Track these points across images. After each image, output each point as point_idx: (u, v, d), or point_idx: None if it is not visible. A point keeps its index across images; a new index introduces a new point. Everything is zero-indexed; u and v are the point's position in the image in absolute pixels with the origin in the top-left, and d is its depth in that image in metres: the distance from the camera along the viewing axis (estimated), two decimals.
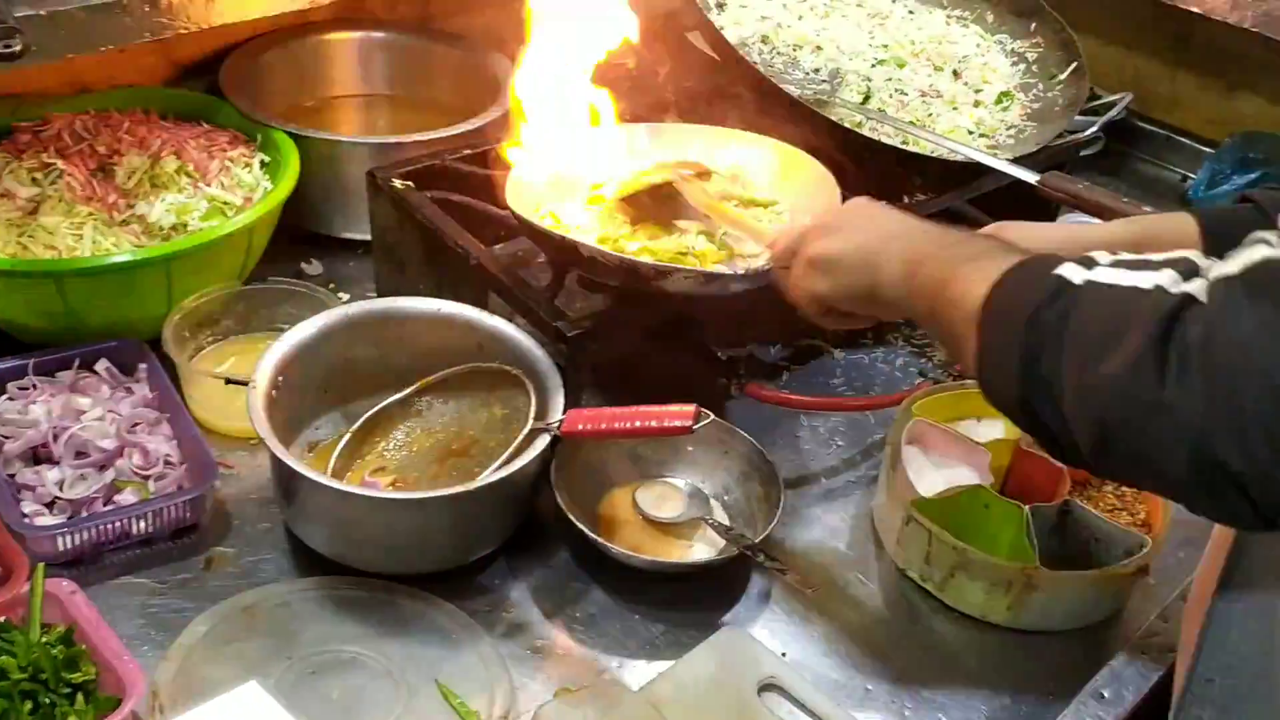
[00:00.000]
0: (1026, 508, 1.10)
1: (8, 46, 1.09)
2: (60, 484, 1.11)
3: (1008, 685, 1.07)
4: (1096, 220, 1.29)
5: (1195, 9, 1.75)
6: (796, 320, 1.46)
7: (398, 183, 1.34)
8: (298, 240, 1.52)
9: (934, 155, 1.46)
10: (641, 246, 1.22)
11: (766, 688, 1.02)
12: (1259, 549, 0.80)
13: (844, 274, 0.96)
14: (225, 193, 1.38)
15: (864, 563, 1.18)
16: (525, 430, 1.09)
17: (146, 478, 1.14)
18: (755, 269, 1.16)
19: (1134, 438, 0.66)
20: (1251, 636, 0.80)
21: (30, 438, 1.14)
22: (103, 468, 1.14)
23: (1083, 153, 1.82)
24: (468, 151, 1.41)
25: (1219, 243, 0.94)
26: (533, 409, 1.11)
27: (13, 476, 1.12)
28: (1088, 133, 1.68)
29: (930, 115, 1.56)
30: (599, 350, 1.21)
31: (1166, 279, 0.67)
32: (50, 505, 1.11)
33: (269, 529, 1.14)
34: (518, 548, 1.14)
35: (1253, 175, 1.79)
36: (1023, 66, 1.70)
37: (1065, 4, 1.73)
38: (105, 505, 1.12)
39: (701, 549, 1.15)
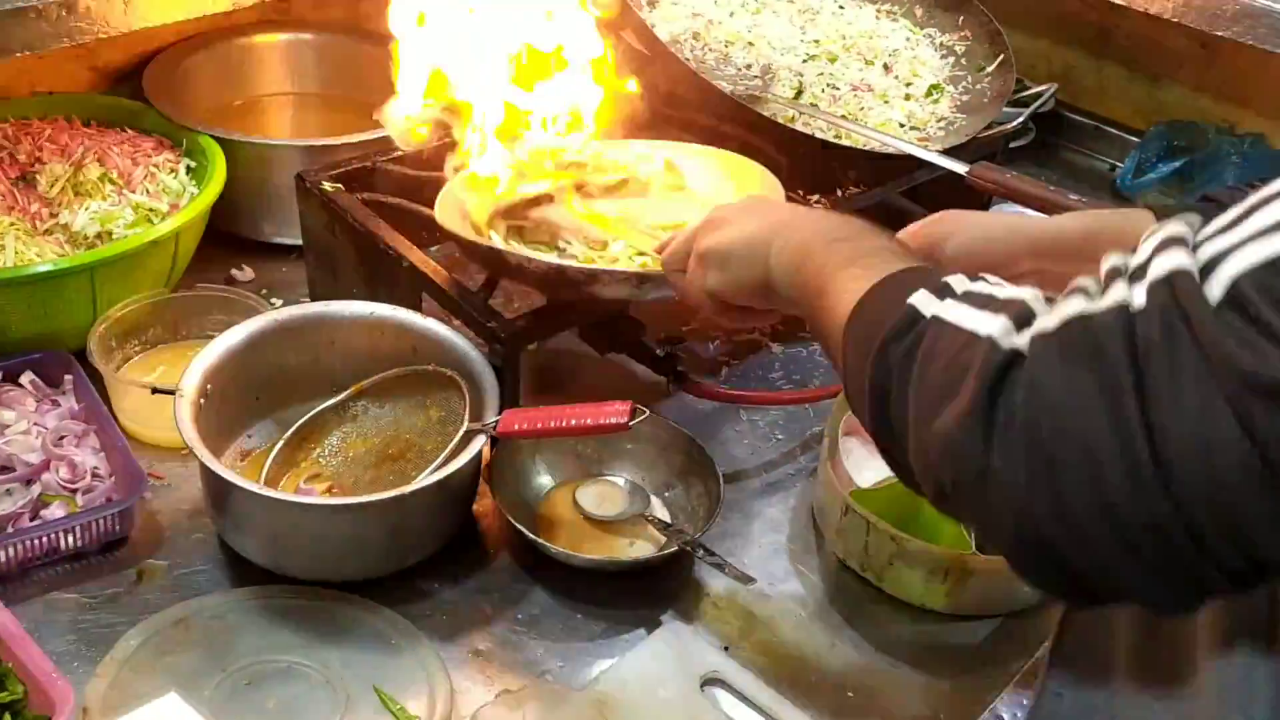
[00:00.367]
0: None
1: None
2: None
3: (948, 670, 1.08)
4: (1029, 211, 1.31)
5: (1118, 1, 1.78)
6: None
7: (328, 185, 1.32)
8: (228, 246, 1.50)
9: (866, 149, 1.47)
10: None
11: (710, 682, 1.03)
12: (1085, 629, 0.80)
13: (735, 266, 0.93)
14: (151, 199, 1.35)
15: (805, 554, 1.19)
16: (461, 432, 1.08)
17: (74, 491, 1.12)
18: None
19: (964, 500, 0.63)
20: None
21: None
22: (29, 482, 1.12)
23: (1014, 144, 1.85)
24: (399, 153, 1.40)
25: None
26: (468, 410, 1.10)
27: None
28: (1015, 123, 1.71)
29: (862, 109, 1.58)
30: (535, 350, 1.21)
31: (999, 328, 0.63)
32: None
33: (202, 540, 1.12)
34: (457, 550, 1.13)
35: (1177, 164, 1.82)
36: (951, 60, 1.72)
37: None
38: (32, 520, 1.09)
39: (643, 546, 1.15)
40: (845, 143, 1.48)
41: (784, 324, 1.48)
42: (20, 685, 0.92)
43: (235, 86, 1.67)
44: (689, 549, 1.10)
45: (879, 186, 1.49)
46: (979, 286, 0.68)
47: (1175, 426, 0.54)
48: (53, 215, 1.32)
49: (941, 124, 1.60)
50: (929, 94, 1.64)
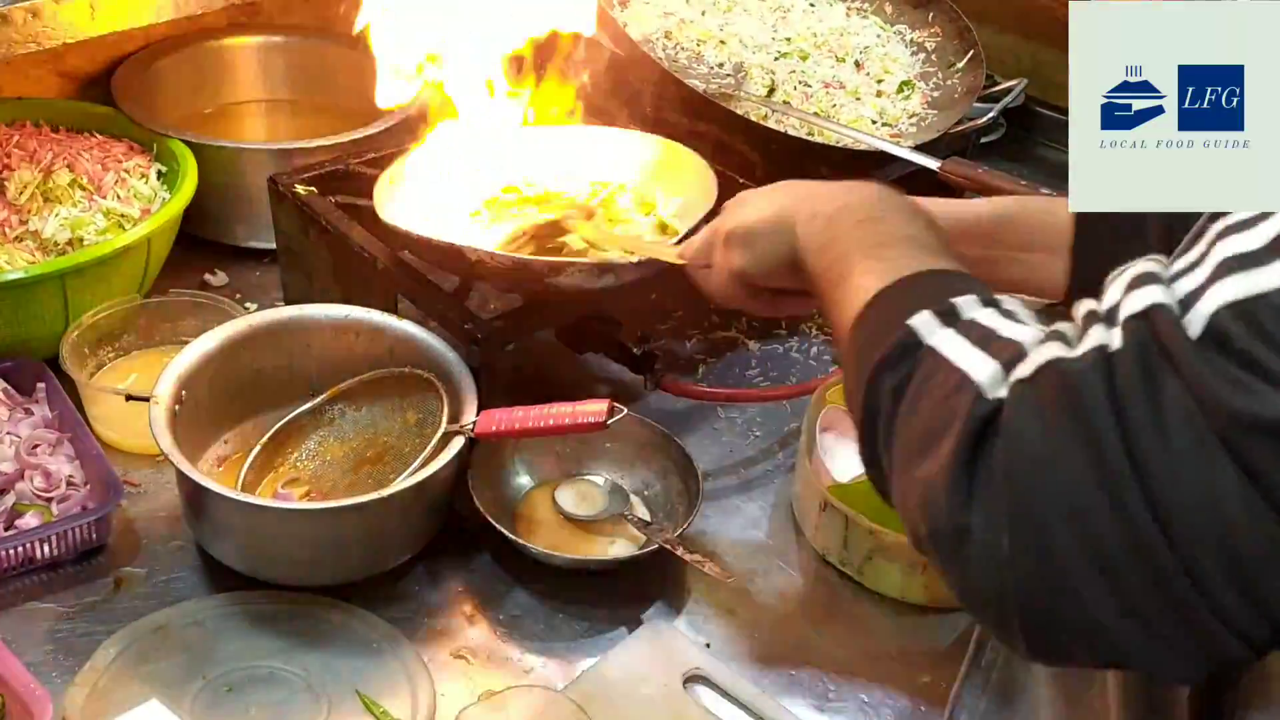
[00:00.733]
0: None
1: None
2: None
3: (928, 662, 1.09)
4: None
5: None
6: (711, 313, 1.50)
7: (300, 189, 1.32)
8: (202, 251, 1.49)
9: (839, 145, 1.49)
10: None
11: (692, 679, 1.03)
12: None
13: (762, 243, 0.89)
14: (122, 205, 1.34)
15: (784, 550, 1.19)
16: (439, 434, 1.08)
17: (49, 500, 1.11)
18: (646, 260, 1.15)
19: (941, 553, 0.60)
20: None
21: None
22: (2, 491, 1.11)
23: (985, 139, 1.86)
24: (372, 155, 1.39)
25: (1091, 228, 0.92)
26: (445, 412, 1.10)
27: None
28: (986, 119, 1.72)
29: (834, 106, 1.59)
30: (511, 351, 1.20)
31: (989, 376, 0.60)
32: None
33: (179, 546, 1.12)
34: (437, 552, 1.13)
35: None
36: (922, 56, 1.73)
37: None
38: (6, 530, 1.08)
39: (622, 545, 1.15)
40: (818, 140, 1.49)
41: (761, 322, 1.49)
42: None
43: (205, 90, 1.66)
44: (669, 547, 1.11)
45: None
46: (985, 316, 0.64)
47: (1169, 472, 0.52)
48: (22, 222, 1.31)
49: (913, 120, 1.61)
50: (900, 90, 1.65)
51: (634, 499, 1.20)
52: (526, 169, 1.35)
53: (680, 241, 1.10)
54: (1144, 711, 0.71)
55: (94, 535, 1.09)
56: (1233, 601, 0.52)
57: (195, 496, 1.06)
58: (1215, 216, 0.57)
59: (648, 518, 1.18)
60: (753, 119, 1.47)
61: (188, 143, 1.41)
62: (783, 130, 1.48)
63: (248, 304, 1.42)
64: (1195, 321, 0.53)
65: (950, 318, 0.65)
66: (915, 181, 1.45)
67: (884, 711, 1.04)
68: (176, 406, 1.09)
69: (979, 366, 0.61)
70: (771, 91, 1.56)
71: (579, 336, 1.30)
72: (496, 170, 1.34)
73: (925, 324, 0.65)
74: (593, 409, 1.05)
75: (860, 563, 1.14)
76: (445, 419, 1.09)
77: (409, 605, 1.08)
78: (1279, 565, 0.52)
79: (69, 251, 1.28)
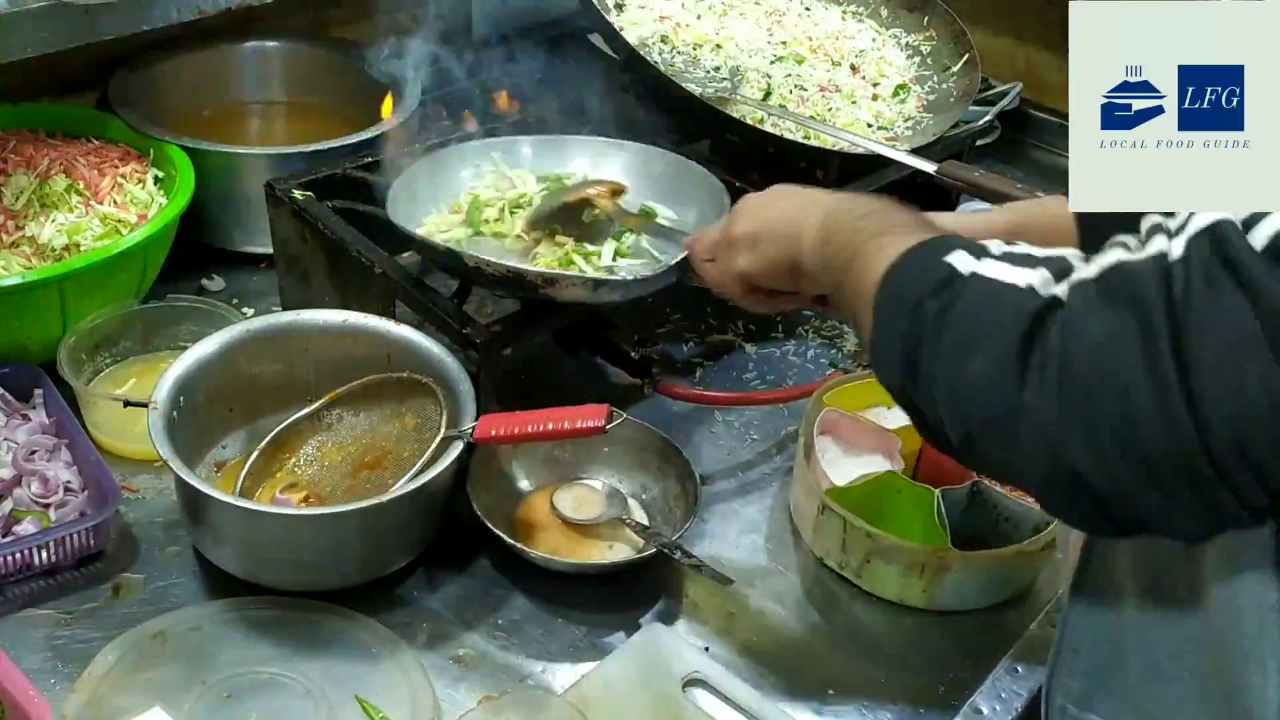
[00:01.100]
0: (937, 491, 1.12)
1: None
2: None
3: (926, 666, 1.09)
4: (992, 206, 1.33)
5: None
6: (708, 316, 1.50)
7: (298, 193, 1.32)
8: (199, 256, 1.49)
9: (835, 149, 1.48)
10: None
11: (691, 683, 1.03)
12: (1102, 557, 0.81)
13: (767, 245, 0.95)
14: (119, 210, 1.34)
15: (783, 553, 1.20)
16: (437, 439, 1.08)
17: (47, 506, 1.11)
18: (644, 275, 1.16)
19: (995, 439, 0.66)
20: (1100, 641, 0.82)
21: None
22: (0, 498, 1.10)
23: (981, 141, 1.87)
24: (369, 159, 1.39)
25: (1095, 230, 0.97)
26: (444, 417, 1.10)
27: None
28: (982, 122, 1.72)
29: (830, 110, 1.59)
30: (510, 355, 1.20)
31: (1039, 279, 0.66)
32: None
33: (178, 552, 1.11)
34: (436, 557, 1.13)
35: None
36: (917, 59, 1.73)
37: None
38: (4, 536, 1.08)
39: (621, 549, 1.15)
40: (814, 143, 1.49)
41: (758, 325, 1.49)
42: None
43: (202, 95, 1.66)
44: (667, 551, 1.11)
45: (847, 186, 1.50)
46: (1018, 248, 0.70)
47: (1208, 364, 0.57)
48: (19, 228, 1.30)
49: (909, 123, 1.62)
50: (896, 94, 1.66)
51: (632, 503, 1.20)
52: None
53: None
54: None
55: (92, 541, 1.08)
56: (1244, 480, 0.59)
57: (193, 502, 1.06)
58: None
59: (646, 522, 1.18)
60: (749, 122, 1.47)
61: (184, 147, 1.41)
62: (779, 134, 1.48)
63: (245, 309, 1.42)
64: (1260, 236, 0.57)
65: (983, 253, 0.70)
66: (911, 185, 1.46)
67: (883, 714, 1.04)
68: (174, 412, 1.08)
69: (1026, 276, 0.66)
70: (767, 95, 1.56)
71: (577, 340, 1.30)
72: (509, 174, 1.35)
73: (963, 259, 0.70)
74: (592, 414, 1.05)
75: (859, 566, 1.14)
76: (444, 424, 1.09)
77: (408, 610, 1.08)
78: None
79: (66, 257, 1.28)
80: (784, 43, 1.67)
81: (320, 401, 1.17)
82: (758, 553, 1.19)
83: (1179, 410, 0.58)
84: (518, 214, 1.30)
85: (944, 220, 0.94)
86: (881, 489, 1.15)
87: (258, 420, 1.20)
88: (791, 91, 1.59)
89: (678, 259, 1.14)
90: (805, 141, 1.49)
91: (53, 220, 1.30)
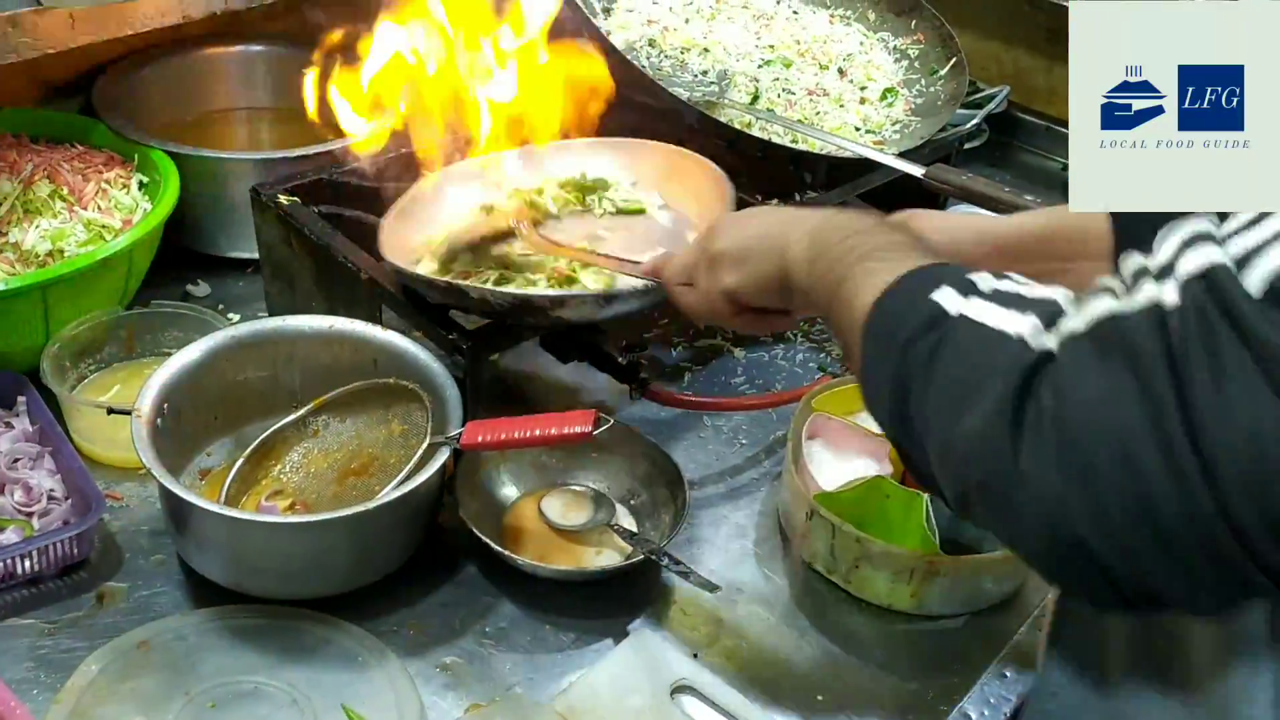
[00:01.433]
0: (926, 495, 1.12)
1: None
2: None
3: (915, 671, 1.09)
4: (983, 211, 1.32)
5: (1065, 3, 1.80)
6: (694, 322, 1.49)
7: (283, 198, 1.31)
8: (184, 261, 1.48)
9: (823, 153, 1.48)
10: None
11: (680, 689, 1.02)
12: (1074, 624, 0.79)
13: (753, 261, 0.90)
14: (103, 216, 1.33)
15: (771, 558, 1.19)
16: (424, 445, 1.07)
17: (30, 515, 1.10)
18: (653, 285, 1.15)
19: (991, 505, 0.62)
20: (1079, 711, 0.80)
21: None
22: None
23: (969, 145, 1.87)
24: (355, 164, 1.39)
25: (1129, 232, 0.93)
26: (430, 423, 1.09)
27: None
28: (970, 125, 1.72)
29: (818, 113, 1.59)
30: (496, 361, 1.20)
31: (1029, 327, 0.62)
32: None
33: (162, 561, 1.11)
34: (423, 564, 1.12)
35: None
36: (905, 63, 1.73)
37: (942, 0, 1.77)
38: None
39: (609, 555, 1.14)
40: (802, 147, 1.49)
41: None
42: None
43: (187, 100, 1.65)
44: (654, 558, 1.10)
45: (835, 190, 1.50)
46: (1006, 285, 0.67)
47: (1218, 421, 0.54)
48: (2, 234, 1.29)
49: (897, 127, 1.62)
50: (884, 97, 1.66)
51: (620, 508, 1.19)
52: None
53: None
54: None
55: (76, 550, 1.08)
56: (1266, 545, 0.54)
57: (178, 510, 1.05)
58: None
59: (634, 527, 1.17)
60: (737, 126, 1.47)
61: (169, 152, 1.40)
62: (767, 138, 1.47)
63: (230, 315, 1.41)
64: (1254, 280, 0.54)
65: (972, 290, 0.66)
66: (899, 189, 1.46)
67: None
68: (159, 419, 1.08)
69: (1015, 322, 0.63)
70: (755, 99, 1.56)
71: (564, 346, 1.29)
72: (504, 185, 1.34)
73: (950, 297, 0.66)
74: (579, 420, 1.04)
75: (847, 571, 1.14)
76: (430, 430, 1.09)
77: (394, 618, 1.08)
78: None
79: (50, 263, 1.27)
80: (772, 46, 1.67)
81: (306, 408, 1.16)
82: (746, 558, 1.19)
83: (1190, 469, 0.54)
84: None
85: (977, 222, 0.90)
86: (870, 493, 1.15)
87: (243, 427, 1.19)
88: (779, 95, 1.59)
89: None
90: (793, 145, 1.49)
91: (36, 226, 1.29)
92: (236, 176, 1.43)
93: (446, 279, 1.16)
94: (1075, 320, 0.61)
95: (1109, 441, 0.56)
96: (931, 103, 1.66)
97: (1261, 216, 0.56)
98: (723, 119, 1.47)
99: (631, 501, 1.21)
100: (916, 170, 1.39)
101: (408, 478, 1.05)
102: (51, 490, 1.13)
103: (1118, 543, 0.57)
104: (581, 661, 1.05)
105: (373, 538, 1.06)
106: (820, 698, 1.05)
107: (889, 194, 1.47)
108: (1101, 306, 0.60)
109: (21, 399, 1.20)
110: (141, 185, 1.40)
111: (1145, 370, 0.56)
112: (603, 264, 1.16)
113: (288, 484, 1.14)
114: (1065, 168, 1.98)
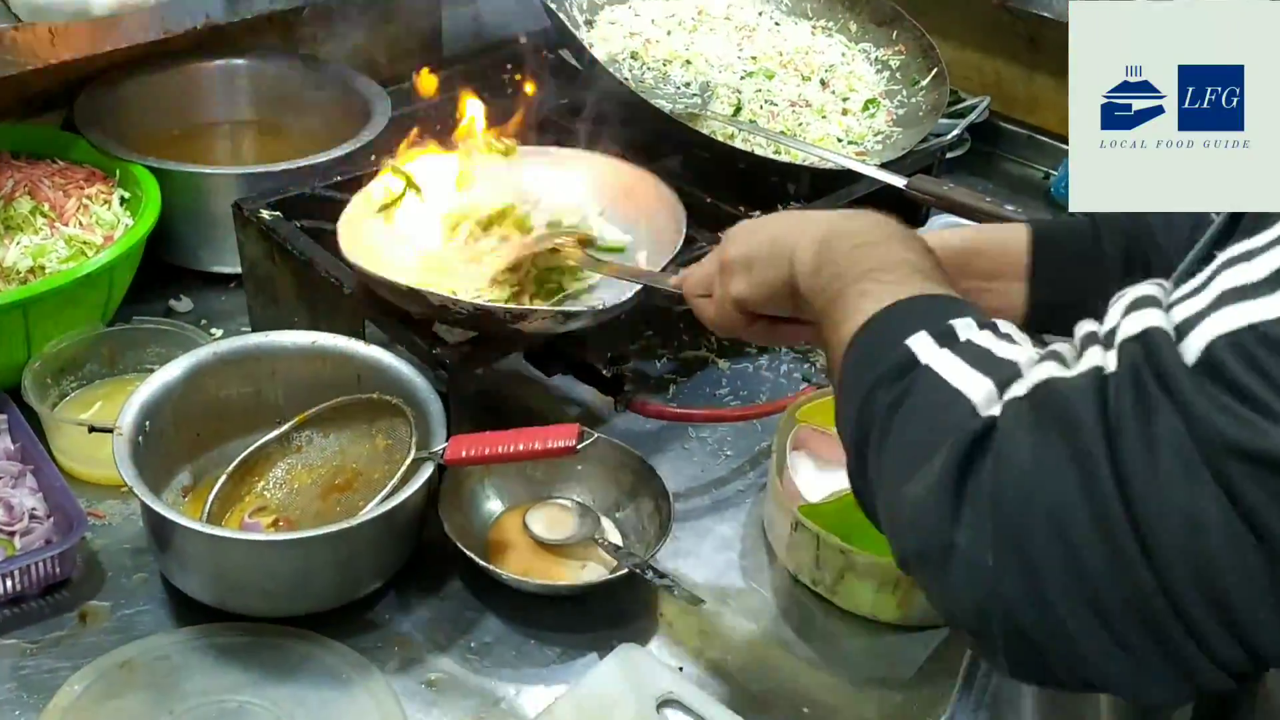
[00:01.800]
0: None
1: None
2: None
3: (901, 681, 1.09)
4: (965, 221, 1.33)
5: (1043, 13, 1.82)
6: (681, 333, 1.50)
7: (266, 213, 1.31)
8: (166, 277, 1.48)
9: (805, 164, 1.49)
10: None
11: (665, 703, 1.02)
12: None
13: (760, 267, 0.88)
14: (84, 232, 1.33)
15: (757, 571, 1.19)
16: (408, 460, 1.07)
17: (11, 534, 1.10)
18: (611, 304, 1.16)
19: (929, 574, 0.60)
20: None
21: None
22: None
23: (951, 154, 1.88)
24: (339, 178, 1.39)
25: (1046, 254, 0.94)
26: (414, 438, 1.09)
27: None
28: (951, 135, 1.73)
29: (800, 125, 1.59)
30: (480, 375, 1.20)
31: (983, 394, 0.61)
32: None
33: (145, 579, 1.10)
34: (407, 580, 1.12)
35: None
36: (887, 74, 1.74)
37: (923, 11, 1.78)
38: None
39: (594, 569, 1.14)
40: (785, 158, 1.50)
41: (731, 341, 1.49)
42: None
43: (169, 115, 1.65)
44: (639, 571, 1.10)
45: (818, 201, 1.50)
46: (983, 338, 0.65)
47: (1154, 494, 0.52)
48: None
49: (879, 138, 1.62)
50: (865, 108, 1.66)
51: (605, 522, 1.19)
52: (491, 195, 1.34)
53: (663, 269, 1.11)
54: None
55: (58, 569, 1.07)
56: (1211, 627, 0.52)
57: (160, 528, 1.04)
58: (1221, 245, 0.57)
59: (619, 541, 1.17)
60: (719, 138, 1.48)
61: (151, 168, 1.40)
62: (749, 149, 1.48)
63: (214, 330, 1.41)
64: (1191, 349, 0.53)
65: (947, 339, 0.65)
66: (881, 199, 1.46)
67: None
68: (140, 437, 1.07)
69: (974, 385, 0.61)
70: (738, 110, 1.56)
71: (548, 359, 1.29)
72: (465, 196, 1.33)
73: (923, 345, 0.65)
74: (563, 434, 1.04)
75: (832, 582, 1.14)
76: (414, 445, 1.09)
77: (379, 634, 1.07)
78: (1257, 593, 0.51)
79: (30, 280, 1.27)
80: (754, 58, 1.67)
81: (289, 424, 1.16)
82: (731, 570, 1.19)
83: (1125, 541, 0.52)
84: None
85: (980, 230, 0.89)
86: (854, 506, 1.14)
87: (226, 444, 1.19)
88: (762, 107, 1.59)
89: (642, 285, 1.14)
90: (776, 157, 1.50)
91: (17, 243, 1.29)
92: (218, 191, 1.43)
93: (407, 284, 1.16)
94: (1018, 386, 0.59)
95: (1042, 515, 0.54)
96: (913, 113, 1.67)
97: (1205, 285, 0.55)
98: (705, 131, 1.47)
99: (616, 514, 1.21)
100: (899, 181, 1.40)
101: (392, 493, 1.05)
102: (33, 509, 1.12)
103: (1055, 623, 0.55)
104: (567, 676, 1.05)
105: (357, 554, 1.06)
106: (806, 710, 1.05)
107: (872, 205, 1.45)
108: (1043, 372, 0.59)
109: (2, 417, 1.20)
110: (123, 201, 1.39)
111: (1079, 440, 0.54)
112: (639, 278, 1.17)
113: (271, 501, 1.14)
114: (1047, 176, 1.99)
